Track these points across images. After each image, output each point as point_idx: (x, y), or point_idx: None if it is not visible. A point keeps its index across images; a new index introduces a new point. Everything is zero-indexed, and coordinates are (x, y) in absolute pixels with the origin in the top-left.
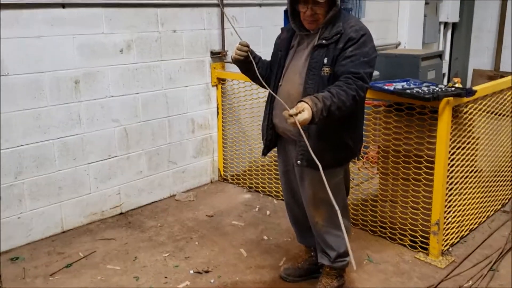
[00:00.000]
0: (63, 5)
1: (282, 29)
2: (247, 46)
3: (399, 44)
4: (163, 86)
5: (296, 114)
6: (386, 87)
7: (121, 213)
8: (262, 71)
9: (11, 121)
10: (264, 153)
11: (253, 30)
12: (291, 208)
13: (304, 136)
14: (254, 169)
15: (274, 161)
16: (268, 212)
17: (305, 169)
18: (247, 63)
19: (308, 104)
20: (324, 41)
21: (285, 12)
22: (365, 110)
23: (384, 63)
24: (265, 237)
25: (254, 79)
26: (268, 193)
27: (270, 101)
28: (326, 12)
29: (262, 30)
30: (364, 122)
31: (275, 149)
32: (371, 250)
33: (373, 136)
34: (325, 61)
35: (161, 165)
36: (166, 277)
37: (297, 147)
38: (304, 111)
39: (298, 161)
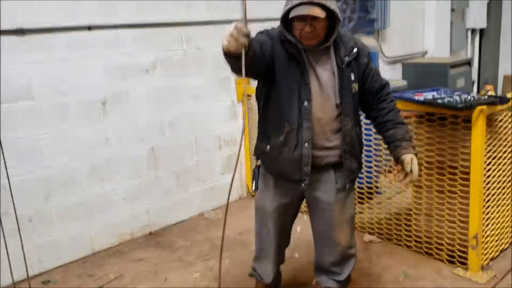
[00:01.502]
0: (89, 28)
1: (275, 37)
2: (248, 36)
3: (426, 52)
4: (188, 104)
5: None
6: (416, 98)
7: (150, 233)
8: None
9: (39, 144)
10: (307, 184)
11: None
12: (280, 245)
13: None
14: None
15: None
16: (298, 229)
17: (345, 191)
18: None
19: (410, 152)
20: (347, 58)
21: None
22: None
23: (412, 73)
24: (296, 255)
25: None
26: None
27: (306, 128)
28: (325, 26)
29: None
30: None
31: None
32: (406, 265)
33: None
34: (352, 77)
35: (189, 183)
36: None
37: (343, 171)
38: (413, 161)
39: (347, 185)
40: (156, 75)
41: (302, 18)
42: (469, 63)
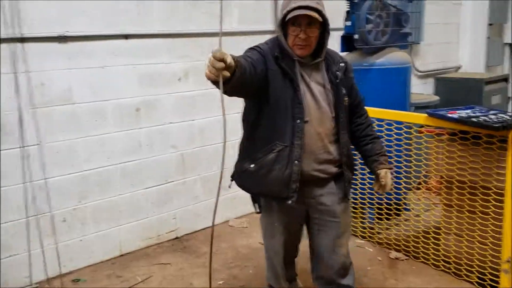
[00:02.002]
0: (126, 36)
1: (267, 53)
2: (223, 60)
3: (459, 67)
4: (218, 112)
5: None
6: (449, 115)
7: (176, 238)
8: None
9: (76, 147)
10: (294, 200)
11: None
12: (292, 261)
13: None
14: None
15: None
16: None
17: (345, 201)
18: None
19: (386, 166)
20: (339, 73)
21: (342, 37)
22: (426, 139)
23: (444, 88)
24: None
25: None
26: None
27: (298, 146)
28: (317, 36)
29: None
30: (426, 150)
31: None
32: (434, 285)
33: (435, 166)
34: (344, 91)
35: (215, 191)
36: None
37: (342, 182)
38: (387, 175)
39: (348, 197)
40: (188, 83)
41: (298, 23)
42: (506, 79)
